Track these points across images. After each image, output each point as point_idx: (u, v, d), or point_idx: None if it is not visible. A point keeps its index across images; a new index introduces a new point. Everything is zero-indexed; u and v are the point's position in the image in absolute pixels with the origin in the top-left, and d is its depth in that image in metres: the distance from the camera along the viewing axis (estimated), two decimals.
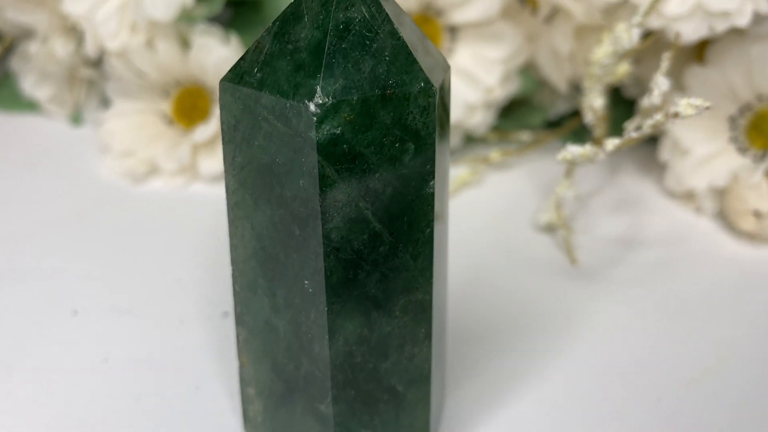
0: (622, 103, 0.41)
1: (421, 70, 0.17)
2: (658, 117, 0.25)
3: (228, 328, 0.27)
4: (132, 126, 0.38)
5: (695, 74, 0.34)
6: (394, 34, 0.17)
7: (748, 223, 0.33)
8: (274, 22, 0.17)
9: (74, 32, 0.40)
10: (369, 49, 0.17)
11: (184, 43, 0.37)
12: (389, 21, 0.17)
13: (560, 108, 0.41)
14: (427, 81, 0.17)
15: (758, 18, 0.31)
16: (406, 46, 0.17)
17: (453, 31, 0.37)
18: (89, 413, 0.24)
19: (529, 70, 0.39)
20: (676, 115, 0.24)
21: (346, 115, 0.17)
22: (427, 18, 0.36)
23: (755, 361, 0.27)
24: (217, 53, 0.36)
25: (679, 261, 0.32)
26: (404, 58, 0.17)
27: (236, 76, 0.18)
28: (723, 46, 0.34)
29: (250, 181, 0.18)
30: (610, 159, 0.40)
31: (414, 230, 0.19)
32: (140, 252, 0.32)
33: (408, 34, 0.18)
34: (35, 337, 0.27)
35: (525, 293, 0.30)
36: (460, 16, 0.36)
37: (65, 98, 0.42)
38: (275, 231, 0.19)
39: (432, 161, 0.18)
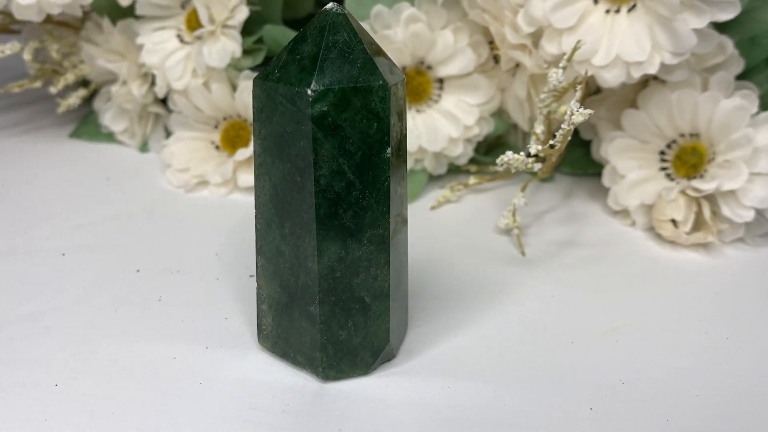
0: (581, 144, 0.50)
1: (381, 73, 0.27)
2: (564, 126, 0.34)
3: (252, 286, 0.36)
4: (188, 149, 0.48)
5: (628, 116, 0.44)
6: (364, 51, 0.27)
7: (666, 231, 0.41)
8: (289, 43, 0.27)
9: (147, 77, 0.51)
10: (347, 59, 0.27)
11: (232, 86, 0.47)
12: (362, 43, 0.27)
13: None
14: (385, 81, 0.27)
15: (672, 68, 0.40)
16: (372, 59, 0.27)
17: (441, 81, 0.47)
18: (152, 334, 0.33)
19: (502, 115, 0.49)
20: (572, 123, 0.33)
21: (330, 99, 0.26)
22: (420, 71, 0.47)
23: (650, 324, 0.35)
24: None
25: (607, 257, 0.41)
26: (370, 66, 0.27)
27: (264, 75, 0.27)
28: (649, 92, 0.43)
29: (270, 146, 0.28)
30: (564, 185, 0.49)
31: (376, 182, 0.28)
32: (189, 237, 0.41)
33: (373, 52, 0.27)
34: (112, 289, 0.37)
35: (480, 272, 0.39)
36: (444, 70, 0.46)
37: (135, 131, 0.53)
38: (285, 180, 0.28)
39: (388, 134, 0.27)
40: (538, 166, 0.38)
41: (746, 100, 0.40)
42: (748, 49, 0.45)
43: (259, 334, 0.32)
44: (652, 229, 0.44)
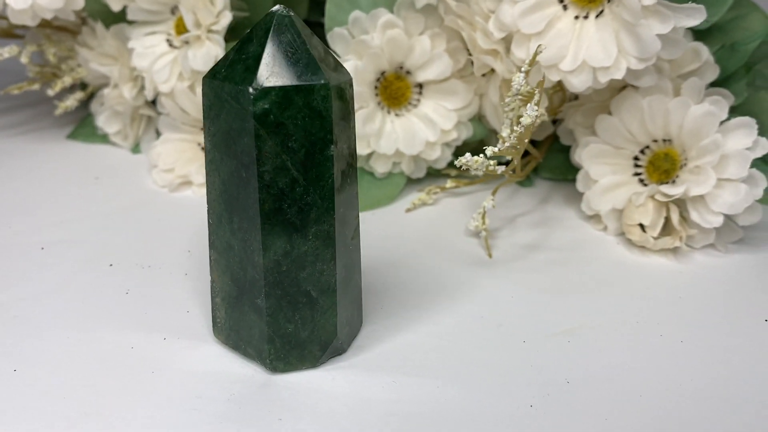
0: (562, 150, 0.51)
1: (323, 73, 0.28)
2: (517, 128, 0.35)
3: None
4: (175, 150, 0.50)
5: (602, 121, 0.44)
6: (308, 51, 0.28)
7: (634, 235, 0.42)
8: (237, 43, 0.28)
9: (138, 80, 0.52)
10: (291, 59, 0.28)
11: None
12: (305, 43, 0.28)
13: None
14: (326, 80, 0.28)
15: (640, 73, 0.40)
16: (314, 59, 0.28)
17: (420, 86, 0.48)
18: (115, 324, 0.34)
19: (481, 120, 0.49)
20: (519, 123, 0.34)
21: (273, 97, 0.27)
22: (399, 76, 0.47)
23: (605, 326, 0.35)
24: None
25: (573, 261, 0.41)
26: (313, 65, 0.28)
27: (212, 74, 0.29)
28: (621, 98, 0.43)
29: (218, 143, 0.29)
30: (542, 190, 0.49)
31: (320, 179, 0.29)
32: (166, 235, 0.43)
33: (317, 53, 0.28)
34: (83, 282, 0.38)
35: (442, 273, 0.39)
36: (423, 75, 0.47)
37: (128, 132, 0.54)
38: (233, 176, 0.29)
39: (331, 132, 0.28)
40: (501, 169, 0.38)
41: (716, 106, 0.41)
42: (727, 56, 0.45)
43: (213, 326, 0.33)
44: (623, 234, 0.44)
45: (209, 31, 0.47)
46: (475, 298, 0.37)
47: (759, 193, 0.41)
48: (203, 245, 0.41)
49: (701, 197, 0.41)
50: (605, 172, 0.44)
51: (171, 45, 0.50)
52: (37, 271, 0.38)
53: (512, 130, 0.38)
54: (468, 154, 0.35)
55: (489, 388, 0.30)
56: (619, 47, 0.39)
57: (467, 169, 0.36)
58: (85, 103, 0.59)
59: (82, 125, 0.58)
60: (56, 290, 0.37)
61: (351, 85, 0.30)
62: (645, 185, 0.44)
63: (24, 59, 0.52)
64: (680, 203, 0.42)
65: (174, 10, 0.50)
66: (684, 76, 0.43)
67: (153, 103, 0.54)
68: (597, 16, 0.40)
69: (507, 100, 0.39)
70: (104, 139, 0.56)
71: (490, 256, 0.41)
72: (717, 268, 0.40)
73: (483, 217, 0.42)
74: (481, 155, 0.36)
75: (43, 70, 0.56)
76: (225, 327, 0.32)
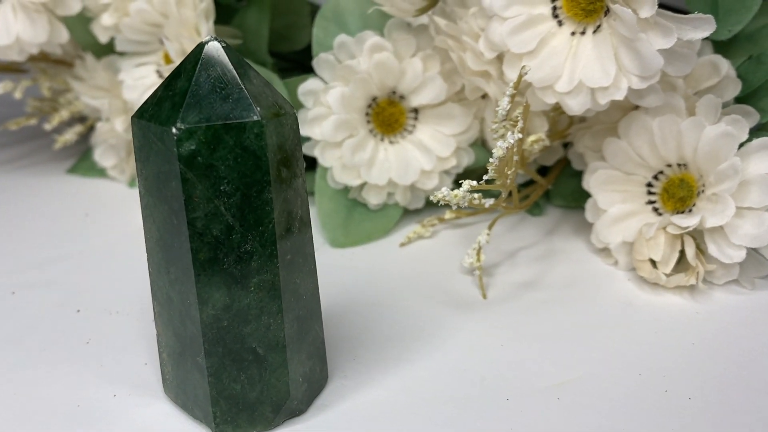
0: (575, 175, 0.47)
1: (256, 109, 0.25)
2: (492, 160, 0.31)
3: None
4: None
5: (609, 145, 0.40)
6: (239, 85, 0.25)
7: (645, 272, 0.37)
8: (167, 78, 0.26)
9: (129, 113, 0.51)
10: (219, 95, 0.25)
11: None
12: (236, 78, 0.25)
13: (518, 179, 0.47)
14: (260, 117, 0.25)
15: (643, 92, 0.36)
16: (246, 93, 0.25)
17: (415, 111, 0.45)
18: (67, 378, 0.32)
19: (484, 144, 0.46)
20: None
21: (200, 137, 0.25)
22: (393, 101, 0.44)
23: (602, 379, 0.31)
24: None
25: (575, 300, 0.37)
26: (244, 101, 0.25)
27: (139, 113, 0.26)
28: (629, 120, 0.39)
29: (150, 187, 0.27)
30: (551, 220, 0.45)
31: (260, 224, 0.26)
32: (142, 276, 0.40)
33: (254, 88, 0.26)
34: (46, 330, 0.36)
35: (427, 316, 0.36)
36: (417, 99, 0.44)
37: (124, 166, 0.53)
38: (166, 223, 0.26)
39: (268, 173, 0.25)
40: (489, 202, 0.35)
41: (734, 126, 0.36)
42: (753, 68, 0.40)
43: (163, 382, 0.30)
44: (635, 269, 0.40)
45: None
46: (460, 346, 0.33)
47: None
48: None
49: (720, 228, 0.36)
50: (615, 200, 0.40)
51: (161, 76, 0.49)
52: (3, 318, 0.37)
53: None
54: (444, 188, 0.32)
55: None
56: (618, 65, 0.35)
57: (446, 204, 0.33)
58: (85, 137, 0.59)
59: (82, 159, 0.57)
60: (17, 338, 0.35)
61: (294, 119, 0.27)
62: (660, 214, 0.39)
63: (18, 94, 0.51)
64: (697, 235, 0.38)
65: (163, 40, 0.48)
66: (702, 93, 0.39)
67: None
68: (594, 32, 0.36)
69: (494, 126, 0.35)
70: (103, 173, 0.55)
71: (484, 296, 0.37)
72: (739, 307, 0.36)
73: (478, 254, 0.38)
74: (462, 188, 0.33)
75: (41, 104, 0.55)
76: (173, 384, 0.29)
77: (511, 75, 0.38)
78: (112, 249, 0.44)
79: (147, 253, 0.28)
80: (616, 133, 0.41)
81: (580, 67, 0.36)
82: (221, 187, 0.25)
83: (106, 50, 0.51)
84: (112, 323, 0.36)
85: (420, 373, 0.32)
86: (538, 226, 0.45)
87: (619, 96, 0.35)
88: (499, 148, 0.30)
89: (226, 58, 0.25)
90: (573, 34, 0.37)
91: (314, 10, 0.61)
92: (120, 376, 0.32)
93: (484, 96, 0.44)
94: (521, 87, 0.39)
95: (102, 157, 0.53)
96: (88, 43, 0.51)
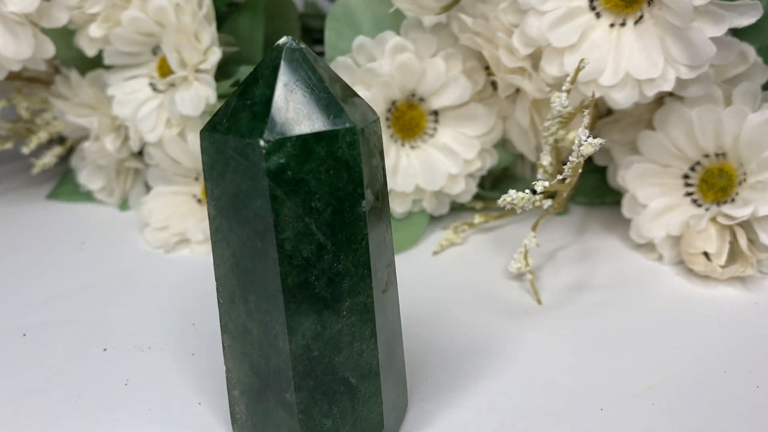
0: (596, 171, 0.46)
1: (347, 115, 0.23)
2: (573, 159, 0.30)
3: None
4: (168, 204, 0.45)
5: (645, 138, 0.39)
6: (326, 89, 0.23)
7: (698, 265, 0.37)
8: (239, 86, 0.23)
9: (121, 130, 0.47)
10: (306, 101, 0.23)
11: None
12: (322, 81, 0.23)
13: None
14: (352, 123, 0.23)
15: (689, 82, 0.36)
16: (335, 98, 0.23)
17: (435, 114, 0.43)
18: (115, 425, 0.29)
19: (506, 145, 0.45)
20: (581, 155, 0.29)
21: (289, 149, 0.22)
22: (412, 104, 0.43)
23: (690, 379, 0.30)
24: None
25: (631, 299, 0.36)
26: (333, 106, 0.23)
27: (211, 126, 0.24)
28: (666, 111, 0.39)
29: (224, 208, 0.24)
30: (576, 218, 0.44)
31: (352, 242, 0.24)
32: (165, 306, 0.37)
33: (337, 90, 0.23)
34: (74, 374, 0.32)
35: (489, 327, 0.34)
36: (438, 101, 0.42)
37: (114, 188, 0.49)
38: (245, 247, 0.24)
39: (361, 185, 0.23)
40: (548, 203, 0.33)
41: None
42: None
43: (233, 423, 0.27)
44: (681, 263, 0.39)
45: (197, 70, 0.43)
46: (532, 357, 0.32)
47: None
48: (209, 315, 0.36)
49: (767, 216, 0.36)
50: (654, 194, 0.39)
51: (155, 89, 0.45)
52: (19, 365, 0.33)
53: (555, 159, 0.34)
54: (513, 191, 0.30)
55: None
56: (665, 55, 0.34)
57: (512, 208, 0.31)
58: (64, 159, 0.54)
59: (62, 183, 0.53)
60: (43, 388, 0.31)
61: (378, 125, 0.25)
62: (699, 206, 0.39)
63: None
64: (744, 224, 0.37)
65: (156, 50, 0.45)
66: (729, 82, 0.39)
67: (140, 154, 0.49)
68: (636, 23, 0.35)
69: (547, 123, 0.34)
70: (88, 196, 0.51)
71: (539, 302, 0.36)
72: None
73: (525, 257, 0.37)
74: (527, 191, 0.31)
75: (15, 126, 0.51)
76: (247, 425, 0.26)
77: (551, 71, 0.36)
78: (124, 280, 0.40)
79: (217, 281, 0.25)
80: (646, 126, 0.41)
81: (624, 60, 0.35)
82: (312, 204, 0.23)
83: (89, 65, 0.48)
84: (147, 361, 0.33)
85: (500, 388, 0.30)
86: (566, 225, 0.44)
87: (667, 87, 0.35)
88: (588, 144, 0.28)
89: (308, 60, 0.23)
90: (612, 26, 0.36)
91: (301, 15, 0.59)
92: (175, 419, 0.29)
93: (509, 95, 0.42)
94: (556, 83, 0.38)
95: (88, 179, 0.49)
96: (69, 58, 0.47)
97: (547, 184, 0.30)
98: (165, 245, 0.43)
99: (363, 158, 0.23)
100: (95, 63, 0.48)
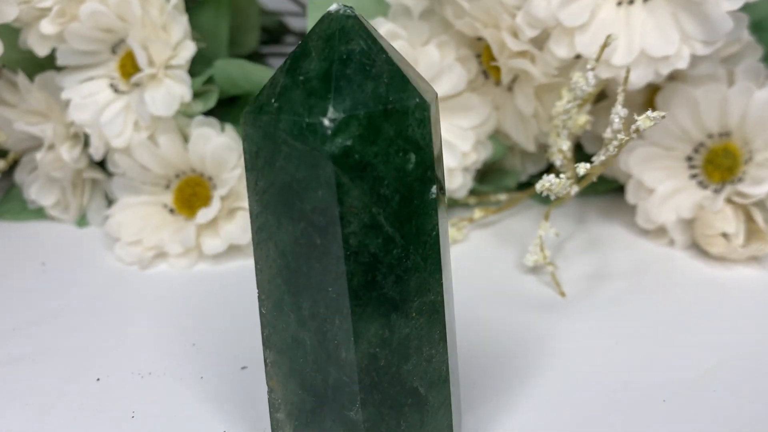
0: (585, 158, 0.45)
1: (415, 89, 0.20)
2: (622, 136, 0.28)
3: (249, 381, 0.29)
4: (137, 216, 0.40)
5: None
6: (389, 61, 0.20)
7: (718, 247, 0.36)
8: (285, 61, 0.20)
9: (78, 138, 0.43)
10: (369, 74, 0.20)
11: (183, 136, 0.40)
12: (383, 51, 0.20)
13: (530, 170, 0.45)
14: (421, 98, 0.20)
15: (696, 61, 0.35)
16: (400, 70, 0.20)
17: None
18: None
19: (498, 136, 0.43)
20: (637, 130, 0.27)
21: (355, 129, 0.19)
22: None
23: (746, 358, 0.29)
24: (214, 141, 0.39)
25: (655, 285, 0.35)
26: (399, 79, 0.20)
27: (256, 107, 0.20)
28: (669, 91, 0.38)
29: (272, 202, 0.21)
30: (572, 209, 0.43)
31: (422, 233, 0.21)
32: (155, 327, 0.33)
33: (401, 62, 0.21)
34: (68, 409, 0.28)
35: (520, 324, 0.32)
36: None
37: (69, 202, 0.44)
38: (298, 245, 0.21)
39: (432, 169, 0.21)
40: (575, 189, 0.32)
41: None
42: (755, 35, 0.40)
43: None
44: (692, 247, 0.38)
45: (167, 67, 0.39)
46: (575, 351, 0.30)
47: None
48: (208, 333, 0.32)
49: None
50: (660, 178, 0.38)
51: (116, 90, 0.41)
52: (5, 400, 0.28)
53: (567, 140, 0.32)
54: (551, 176, 0.28)
55: None
56: (680, 32, 0.33)
57: (547, 195, 0.29)
58: (6, 174, 0.49)
59: (6, 200, 0.47)
60: (35, 429, 0.27)
61: (437, 102, 0.22)
62: (704, 187, 0.38)
63: None
64: (758, 202, 0.37)
65: (115, 48, 0.41)
66: (725, 61, 0.38)
67: (98, 163, 0.44)
68: (645, 0, 0.34)
69: (567, 106, 0.32)
70: (39, 213, 0.46)
71: (562, 294, 0.34)
72: None
73: (542, 249, 0.35)
74: (562, 176, 0.29)
75: None
76: None
77: (560, 52, 0.35)
78: (100, 301, 0.36)
79: (258, 288, 0.22)
80: (639, 110, 0.40)
81: (637, 38, 0.34)
82: (380, 191, 0.20)
83: (36, 67, 0.43)
84: (151, 388, 0.29)
85: (552, 386, 0.28)
86: (564, 217, 0.43)
87: (682, 65, 0.34)
88: (647, 118, 0.27)
89: (366, 28, 0.20)
90: (620, 4, 0.35)
91: (264, 11, 0.55)
92: None
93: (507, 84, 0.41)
94: (566, 65, 0.36)
95: (39, 194, 0.44)
96: (13, 60, 0.42)
97: (588, 165, 0.28)
98: (140, 261, 0.39)
99: (433, 137, 0.21)
100: (44, 65, 0.43)
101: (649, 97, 0.40)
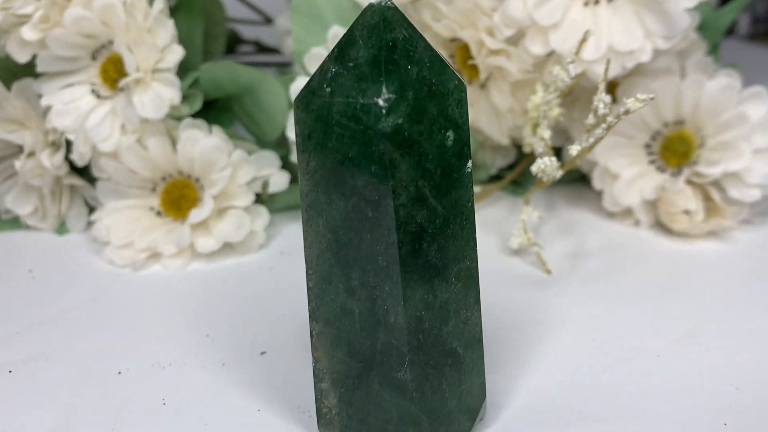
0: (554, 148, 0.48)
1: (453, 72, 0.22)
2: (611, 119, 0.31)
3: (270, 365, 0.30)
4: (126, 220, 0.41)
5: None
6: (428, 47, 0.22)
7: (681, 223, 0.39)
8: (332, 50, 0.22)
9: (57, 145, 0.43)
10: (412, 59, 0.22)
11: (170, 139, 0.41)
12: (422, 38, 0.22)
13: (499, 163, 0.47)
14: (459, 80, 0.22)
15: (657, 55, 0.38)
16: (439, 55, 0.22)
17: None
18: None
19: (472, 132, 0.45)
20: (626, 112, 0.30)
21: (404, 109, 0.21)
22: None
23: (721, 320, 0.32)
24: (203, 143, 0.39)
25: (630, 261, 0.38)
26: (439, 63, 0.22)
27: (309, 93, 0.22)
28: (629, 84, 0.41)
29: (323, 180, 0.22)
30: (544, 198, 0.46)
31: (459, 204, 0.23)
32: (163, 323, 0.34)
33: (437, 48, 0.23)
34: (91, 398, 0.28)
35: (512, 301, 0.34)
36: None
37: (48, 210, 0.44)
38: (348, 220, 0.22)
39: (468, 145, 0.23)
40: (559, 173, 0.34)
41: (731, 78, 0.40)
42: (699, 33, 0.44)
43: (319, 420, 0.25)
44: (656, 226, 0.41)
45: (154, 70, 0.39)
46: (570, 321, 0.32)
47: None
48: (219, 326, 0.33)
49: (734, 173, 0.40)
50: (624, 164, 0.42)
51: (98, 96, 0.41)
52: (24, 404, 0.28)
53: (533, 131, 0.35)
54: (546, 159, 0.31)
55: (674, 415, 0.26)
56: (643, 29, 0.37)
57: (517, 185, 0.32)
58: None
59: None
60: (67, 422, 0.27)
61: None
62: (662, 171, 0.42)
63: None
64: (713, 182, 0.41)
65: (95, 54, 0.41)
66: (676, 56, 0.42)
67: (77, 170, 0.44)
68: (609, 1, 0.38)
69: (548, 97, 0.35)
70: (14, 223, 0.45)
71: (548, 272, 0.37)
72: (759, 243, 0.39)
73: (526, 231, 0.38)
74: (553, 158, 0.32)
75: None
76: (340, 418, 0.25)
77: (535, 49, 0.38)
78: (100, 303, 0.36)
79: (306, 264, 0.24)
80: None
81: (605, 35, 0.37)
82: (425, 165, 0.22)
83: (10, 75, 0.43)
84: (174, 377, 0.30)
85: (558, 352, 0.30)
86: (534, 204, 0.45)
87: (645, 58, 0.37)
88: (635, 101, 0.29)
89: (405, 19, 0.22)
90: (586, 4, 0.38)
91: (228, 18, 0.56)
92: (240, 429, 0.26)
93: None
94: (539, 62, 0.39)
95: (15, 203, 0.44)
96: None
97: (579, 147, 0.31)
98: (133, 263, 0.39)
99: (468, 116, 0.23)
100: (18, 72, 0.43)
101: (609, 91, 0.43)
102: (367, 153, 0.21)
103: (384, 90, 0.21)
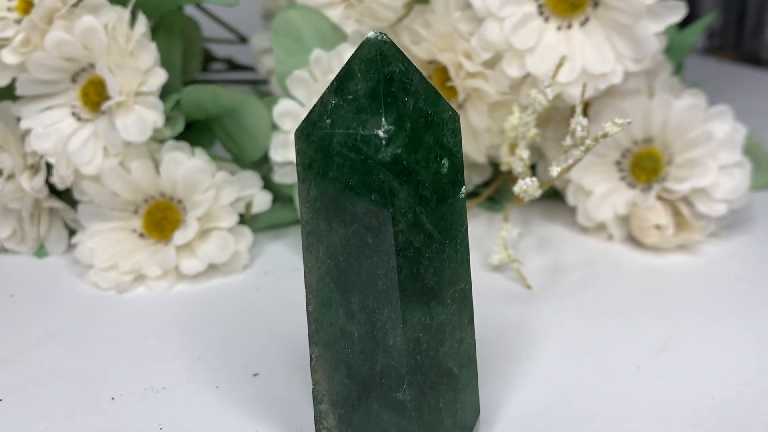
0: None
1: (447, 102, 0.23)
2: (589, 142, 0.32)
3: (263, 387, 0.30)
4: (109, 243, 0.41)
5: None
6: (423, 79, 0.23)
7: (652, 237, 0.41)
8: (332, 83, 0.23)
9: (34, 168, 0.42)
10: (409, 91, 0.23)
11: (153, 161, 0.41)
12: (417, 71, 0.23)
13: (475, 180, 0.49)
14: (453, 110, 0.23)
15: (627, 77, 0.40)
16: (433, 87, 0.23)
17: None
18: None
19: None
20: (605, 135, 0.32)
21: (402, 139, 0.22)
22: None
23: (697, 331, 0.34)
24: (186, 165, 0.40)
25: (607, 275, 0.39)
26: (433, 95, 0.23)
27: (309, 124, 0.23)
28: (600, 105, 0.43)
29: (323, 208, 0.23)
30: (520, 214, 0.47)
31: (453, 229, 0.24)
32: (152, 347, 0.34)
33: (431, 81, 0.24)
34: (85, 424, 0.29)
35: (495, 316, 0.35)
36: None
37: (26, 233, 0.44)
38: (348, 246, 0.23)
39: (461, 172, 0.24)
40: (538, 192, 0.36)
41: (696, 98, 0.41)
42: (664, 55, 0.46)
43: None
44: (628, 240, 0.43)
45: (137, 93, 0.40)
46: (555, 333, 0.34)
47: (747, 174, 0.42)
48: (208, 348, 0.34)
49: (701, 189, 0.41)
50: (596, 181, 0.43)
51: (79, 119, 0.41)
52: (11, 430, 0.28)
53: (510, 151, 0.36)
54: (528, 179, 0.32)
55: (657, 423, 0.27)
56: (614, 52, 0.38)
57: (493, 202, 0.33)
58: None
59: None
60: None
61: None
62: (633, 187, 0.43)
63: None
64: (682, 198, 0.42)
65: (76, 77, 0.41)
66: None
67: (57, 192, 0.44)
68: (581, 25, 0.39)
69: (527, 119, 0.36)
70: None
71: (528, 287, 0.38)
72: (731, 255, 0.41)
73: (506, 248, 0.39)
74: (534, 179, 0.33)
75: None
76: None
77: (511, 72, 0.39)
78: (86, 326, 0.36)
79: (306, 288, 0.24)
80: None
81: (578, 58, 0.38)
82: (422, 193, 0.23)
83: None
84: (169, 401, 0.30)
85: (545, 368, 0.31)
86: (511, 221, 0.47)
87: (616, 80, 0.39)
88: (613, 125, 0.31)
89: (400, 52, 0.23)
90: (559, 29, 0.39)
91: (205, 38, 0.57)
92: None
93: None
94: (516, 84, 0.40)
95: None
96: None
97: (558, 169, 0.32)
98: (118, 285, 0.39)
99: (461, 145, 0.24)
100: None
101: (584, 107, 0.45)
102: (367, 182, 0.22)
103: (383, 122, 0.22)
